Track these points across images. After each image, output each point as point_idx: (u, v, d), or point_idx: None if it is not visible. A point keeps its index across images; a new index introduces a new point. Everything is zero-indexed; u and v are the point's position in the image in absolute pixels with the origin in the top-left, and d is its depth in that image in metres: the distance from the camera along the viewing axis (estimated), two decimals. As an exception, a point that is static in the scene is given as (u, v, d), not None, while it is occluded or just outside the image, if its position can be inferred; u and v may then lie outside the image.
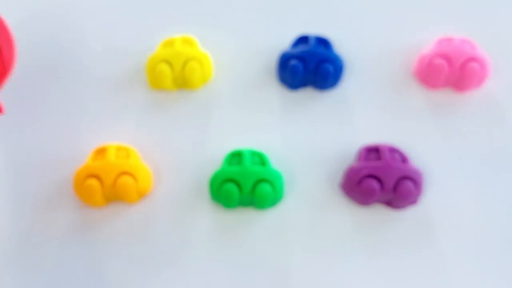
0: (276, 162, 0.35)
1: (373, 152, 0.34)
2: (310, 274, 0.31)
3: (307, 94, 0.39)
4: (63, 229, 0.34)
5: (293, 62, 0.38)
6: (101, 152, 0.35)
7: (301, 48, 0.39)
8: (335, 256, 0.32)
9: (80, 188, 0.33)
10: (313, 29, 0.41)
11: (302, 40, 0.40)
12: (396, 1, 0.45)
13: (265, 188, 0.32)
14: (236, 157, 0.34)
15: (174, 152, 0.37)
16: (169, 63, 0.39)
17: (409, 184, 0.32)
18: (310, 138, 0.37)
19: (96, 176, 0.33)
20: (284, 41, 0.41)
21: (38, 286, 0.32)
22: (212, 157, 0.36)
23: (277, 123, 0.38)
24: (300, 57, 0.38)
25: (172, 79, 0.39)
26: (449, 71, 0.37)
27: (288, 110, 0.38)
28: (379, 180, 0.32)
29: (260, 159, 0.34)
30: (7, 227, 0.34)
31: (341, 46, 0.41)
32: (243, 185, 0.32)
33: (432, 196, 0.34)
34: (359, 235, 0.32)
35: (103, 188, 0.33)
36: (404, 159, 0.34)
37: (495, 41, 0.41)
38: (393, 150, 0.34)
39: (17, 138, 0.38)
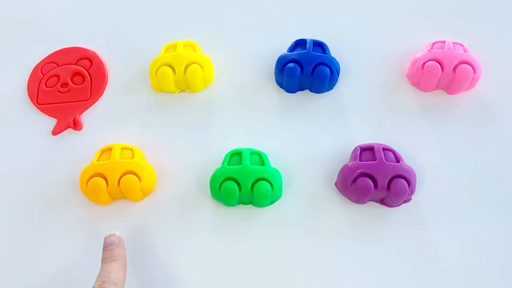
0: (274, 161, 0.35)
1: (367, 151, 0.35)
2: (307, 269, 0.32)
3: (304, 96, 0.40)
4: (71, 224, 0.35)
5: (290, 65, 0.38)
6: (106, 151, 0.36)
7: (298, 51, 0.39)
8: (331, 252, 0.32)
9: (86, 186, 0.34)
10: (310, 34, 0.42)
11: (299, 44, 0.41)
12: (389, 7, 0.46)
13: (264, 186, 0.33)
14: (236, 156, 0.35)
15: (176, 152, 0.37)
16: (171, 66, 0.39)
17: (402, 182, 0.32)
18: (307, 138, 0.38)
19: (101, 175, 0.34)
20: (282, 46, 0.41)
21: (45, 277, 0.32)
22: (213, 156, 0.36)
23: (276, 124, 0.39)
24: (297, 60, 0.39)
25: (174, 82, 0.40)
26: (442, 74, 0.37)
27: (286, 112, 0.39)
28: (373, 178, 0.33)
29: (259, 158, 0.35)
30: (18, 223, 0.35)
31: (337, 50, 0.41)
32: (242, 184, 0.33)
33: (425, 194, 0.34)
34: (354, 232, 0.33)
35: (108, 187, 0.34)
36: (397, 159, 0.34)
37: (486, 45, 0.41)
38: (387, 150, 0.35)
39: (28, 140, 0.39)
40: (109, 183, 0.34)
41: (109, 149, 0.36)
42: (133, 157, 0.35)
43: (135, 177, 0.34)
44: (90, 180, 0.34)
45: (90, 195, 0.34)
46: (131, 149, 0.36)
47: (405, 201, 0.34)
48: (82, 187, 0.34)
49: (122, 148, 0.36)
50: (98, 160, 0.35)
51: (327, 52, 0.40)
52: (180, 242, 0.33)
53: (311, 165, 0.36)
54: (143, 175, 0.34)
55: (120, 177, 0.34)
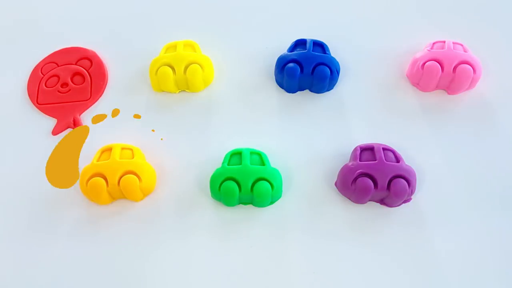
0: (274, 161, 0.35)
1: (367, 151, 0.35)
2: (307, 269, 0.32)
3: (305, 96, 0.40)
4: (70, 224, 0.35)
5: (290, 65, 0.38)
6: (106, 151, 0.36)
7: (298, 51, 0.39)
8: (331, 252, 0.32)
9: (86, 186, 0.34)
10: (310, 34, 0.42)
11: (299, 44, 0.41)
12: (389, 7, 0.46)
13: (264, 186, 0.33)
14: (236, 156, 0.35)
15: (176, 152, 0.37)
16: (171, 66, 0.39)
17: (402, 182, 0.32)
18: (308, 138, 0.38)
19: (101, 175, 0.34)
20: (282, 46, 0.41)
21: (45, 278, 0.33)
22: (213, 156, 0.36)
23: (276, 124, 0.39)
24: (297, 60, 0.39)
25: (175, 82, 0.40)
26: (442, 74, 0.37)
27: (286, 112, 0.39)
28: (373, 178, 0.33)
29: (259, 158, 0.35)
30: (18, 223, 0.35)
31: (337, 50, 0.41)
32: (242, 184, 0.33)
33: (425, 194, 0.34)
34: (354, 232, 0.33)
35: (108, 187, 0.34)
36: (397, 159, 0.34)
37: (486, 45, 0.41)
38: (387, 150, 0.35)
39: (28, 140, 0.39)
40: (109, 183, 0.34)
41: (109, 149, 0.36)
42: (133, 157, 0.35)
43: (135, 177, 0.34)
44: (90, 180, 0.34)
45: (90, 195, 0.34)
46: (131, 149, 0.36)
47: (405, 201, 0.34)
48: (82, 187, 0.34)
49: (122, 148, 0.36)
50: (98, 160, 0.35)
51: (327, 52, 0.40)
52: (180, 242, 0.33)
53: (311, 165, 0.36)
54: (143, 175, 0.34)
55: (120, 177, 0.34)
